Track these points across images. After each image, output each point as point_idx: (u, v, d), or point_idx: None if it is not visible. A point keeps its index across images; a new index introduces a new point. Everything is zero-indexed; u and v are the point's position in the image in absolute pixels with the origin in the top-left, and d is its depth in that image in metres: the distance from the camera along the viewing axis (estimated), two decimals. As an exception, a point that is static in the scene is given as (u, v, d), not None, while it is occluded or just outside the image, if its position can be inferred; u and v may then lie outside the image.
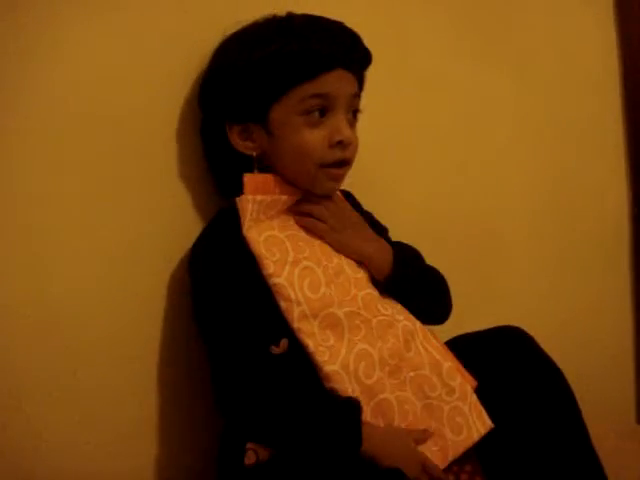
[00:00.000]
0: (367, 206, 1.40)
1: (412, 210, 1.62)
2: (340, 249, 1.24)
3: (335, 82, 1.16)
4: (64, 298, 1.18)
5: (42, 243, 1.15)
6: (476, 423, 1.22)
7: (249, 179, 1.18)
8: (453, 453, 1.20)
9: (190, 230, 1.26)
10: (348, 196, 1.36)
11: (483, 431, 1.22)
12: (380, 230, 1.36)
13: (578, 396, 1.65)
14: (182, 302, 1.28)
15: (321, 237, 1.24)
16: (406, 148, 1.60)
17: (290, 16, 1.20)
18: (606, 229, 1.91)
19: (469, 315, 1.51)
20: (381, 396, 1.18)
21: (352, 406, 1.15)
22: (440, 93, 1.67)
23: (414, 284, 1.29)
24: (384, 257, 1.27)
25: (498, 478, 1.25)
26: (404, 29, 1.56)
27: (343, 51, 1.16)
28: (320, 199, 1.24)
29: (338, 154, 1.19)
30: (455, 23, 1.68)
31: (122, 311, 1.25)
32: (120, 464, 1.25)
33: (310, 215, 1.23)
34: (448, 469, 1.23)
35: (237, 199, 1.17)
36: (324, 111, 1.17)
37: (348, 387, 1.16)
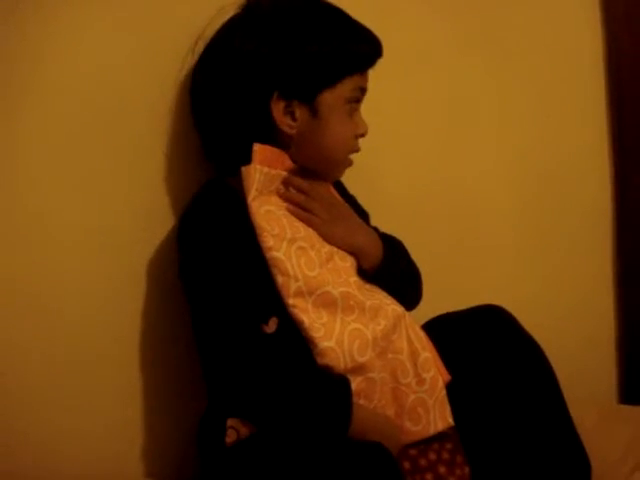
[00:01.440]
0: (351, 190, 1.40)
1: (395, 192, 1.62)
2: (332, 242, 1.25)
3: (367, 79, 1.26)
4: (45, 284, 1.19)
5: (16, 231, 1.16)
6: (436, 418, 1.23)
7: (260, 149, 1.19)
8: (405, 440, 1.22)
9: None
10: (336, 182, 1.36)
11: (441, 428, 1.23)
12: (363, 215, 1.37)
13: (560, 376, 1.66)
14: (164, 288, 1.28)
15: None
16: (389, 132, 1.59)
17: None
18: (588, 210, 1.91)
19: (451, 294, 1.52)
20: (369, 375, 1.20)
21: (343, 384, 1.16)
22: (425, 78, 1.67)
23: (400, 275, 1.32)
24: (374, 248, 1.28)
25: (479, 457, 1.26)
26: (390, 20, 1.56)
27: (380, 52, 1.25)
28: (313, 191, 1.25)
29: (358, 145, 1.28)
30: (441, 15, 1.69)
31: (103, 297, 1.25)
32: (105, 452, 1.25)
33: (303, 208, 1.24)
34: (429, 447, 1.24)
35: (244, 167, 1.18)
36: (356, 103, 1.25)
37: (341, 364, 1.17)
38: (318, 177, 1.27)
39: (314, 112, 1.21)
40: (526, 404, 1.25)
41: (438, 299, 1.42)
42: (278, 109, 1.19)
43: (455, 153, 1.73)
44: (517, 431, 1.25)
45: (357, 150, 1.27)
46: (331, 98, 1.21)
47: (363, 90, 1.25)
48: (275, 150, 1.21)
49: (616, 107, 1.91)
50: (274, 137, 1.21)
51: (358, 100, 1.25)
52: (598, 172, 1.92)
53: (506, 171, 1.80)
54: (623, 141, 1.90)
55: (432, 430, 1.24)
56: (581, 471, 1.26)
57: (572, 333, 1.89)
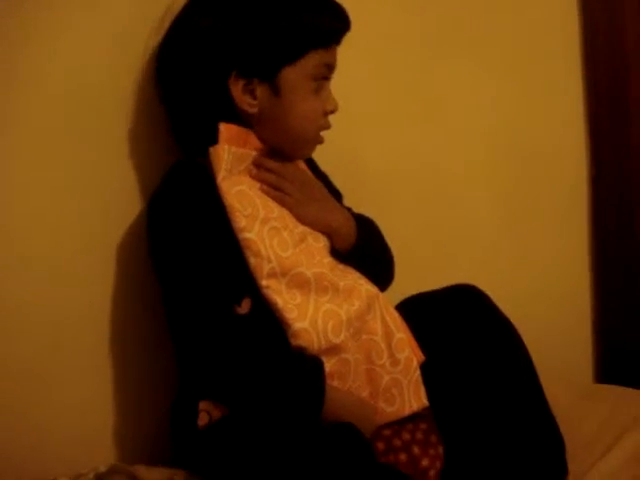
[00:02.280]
0: (326, 169, 1.39)
1: (371, 172, 1.61)
2: (305, 222, 1.24)
3: (335, 55, 1.22)
4: (15, 268, 1.18)
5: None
6: (410, 399, 1.23)
7: (226, 128, 1.17)
8: (380, 421, 1.21)
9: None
10: (307, 159, 1.35)
11: (415, 408, 1.23)
12: (336, 195, 1.35)
13: (537, 357, 1.67)
14: (135, 270, 1.27)
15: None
16: (366, 112, 1.59)
17: None
18: (564, 190, 1.91)
19: (427, 275, 1.51)
20: (343, 356, 1.19)
21: (316, 366, 1.15)
22: (402, 60, 1.66)
23: (373, 255, 1.31)
24: (347, 228, 1.27)
25: (453, 436, 1.26)
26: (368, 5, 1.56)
27: (347, 26, 1.21)
28: (285, 171, 1.23)
29: (328, 121, 1.24)
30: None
31: (73, 280, 1.24)
32: (77, 435, 1.24)
33: (275, 188, 1.23)
34: (403, 427, 1.24)
35: (211, 148, 1.16)
36: (323, 80, 1.21)
37: (315, 345, 1.16)
38: (286, 155, 1.25)
39: (275, 90, 1.18)
40: (499, 383, 1.25)
41: (413, 279, 1.42)
42: (237, 88, 1.17)
43: (432, 134, 1.72)
44: (491, 411, 1.25)
45: (327, 127, 1.25)
46: (293, 75, 1.18)
47: (330, 66, 1.22)
48: (241, 129, 1.19)
49: (592, 91, 1.92)
50: (238, 116, 1.19)
51: (325, 77, 1.22)
52: (574, 156, 1.92)
53: (483, 154, 1.80)
54: (598, 123, 1.90)
55: (407, 411, 1.23)
56: (555, 450, 1.26)
57: (549, 314, 1.90)
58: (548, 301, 1.89)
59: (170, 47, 1.21)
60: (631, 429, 1.47)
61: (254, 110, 1.18)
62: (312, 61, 1.18)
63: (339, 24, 1.20)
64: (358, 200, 1.39)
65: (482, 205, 1.80)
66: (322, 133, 1.26)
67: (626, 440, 1.44)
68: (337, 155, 1.41)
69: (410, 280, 1.40)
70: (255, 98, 1.18)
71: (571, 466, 1.30)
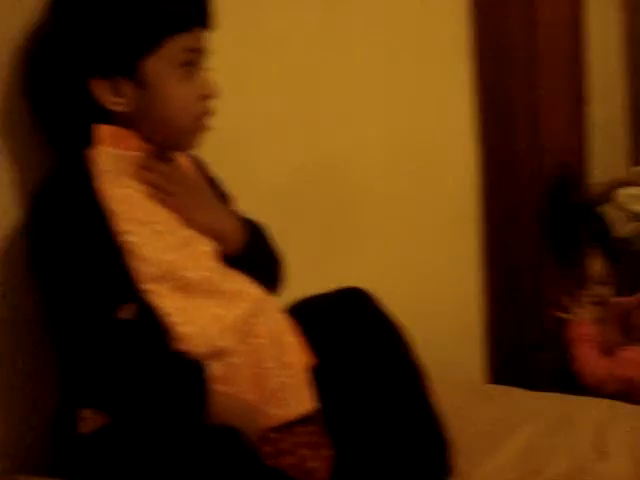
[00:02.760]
0: (218, 172, 1.37)
1: (262, 172, 1.60)
2: (192, 226, 1.22)
3: (202, 38, 1.18)
4: None
5: None
6: (300, 402, 1.23)
7: (100, 130, 1.15)
8: (268, 425, 1.20)
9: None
10: (196, 161, 1.33)
11: (304, 411, 1.23)
12: (225, 199, 1.34)
13: (429, 358, 1.69)
14: (15, 275, 1.21)
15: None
16: (258, 114, 1.58)
17: None
18: (457, 192, 1.95)
19: (319, 277, 1.52)
20: (230, 359, 1.18)
21: (198, 370, 1.13)
22: (291, 46, 1.66)
23: (261, 260, 1.30)
24: (235, 233, 1.26)
25: (342, 438, 1.27)
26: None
27: (209, 9, 1.18)
28: (172, 173, 1.21)
29: (206, 107, 1.21)
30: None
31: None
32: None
33: (162, 191, 1.20)
34: (291, 430, 1.24)
35: (87, 151, 1.13)
36: (192, 65, 1.17)
37: (200, 349, 1.14)
38: (172, 149, 1.22)
39: (141, 84, 1.15)
40: (385, 386, 1.26)
41: (305, 283, 1.42)
42: (100, 89, 1.14)
43: (328, 134, 1.73)
44: (377, 413, 1.26)
45: (207, 113, 1.21)
46: (155, 66, 1.14)
47: (196, 51, 1.18)
48: (118, 130, 1.17)
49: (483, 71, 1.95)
50: (111, 117, 1.16)
51: (193, 62, 1.18)
52: (466, 160, 1.96)
53: (378, 155, 1.82)
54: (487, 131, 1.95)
55: (295, 413, 1.23)
56: (438, 449, 1.29)
57: (441, 316, 1.94)
58: (440, 303, 1.93)
59: (33, 52, 1.18)
60: (519, 428, 1.51)
61: (125, 108, 1.15)
62: (172, 48, 1.14)
63: (190, 6, 1.16)
64: (249, 204, 1.38)
65: (376, 207, 1.82)
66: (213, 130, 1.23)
67: (513, 439, 1.48)
68: (228, 158, 1.40)
69: (302, 283, 1.41)
70: (122, 96, 1.15)
71: (459, 465, 1.33)
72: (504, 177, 1.96)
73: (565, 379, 1.98)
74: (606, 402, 1.66)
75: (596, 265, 2.23)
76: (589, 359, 1.95)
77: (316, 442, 1.25)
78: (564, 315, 2.04)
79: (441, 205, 1.92)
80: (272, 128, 1.62)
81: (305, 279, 1.44)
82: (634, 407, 1.62)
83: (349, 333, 1.27)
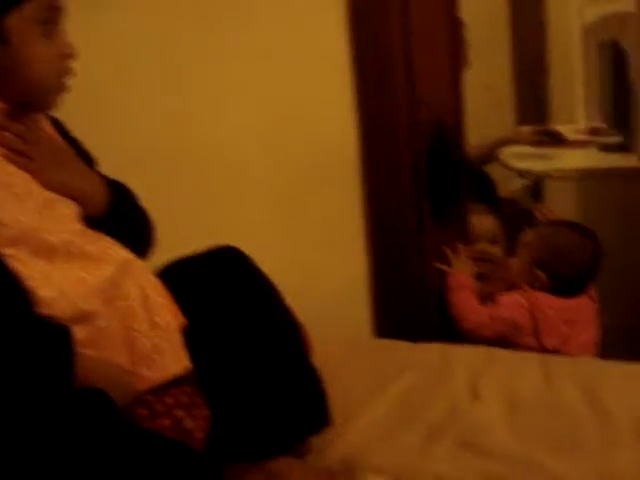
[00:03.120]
0: (80, 134, 1.34)
1: (133, 134, 1.57)
2: (51, 188, 1.18)
3: None
4: None
5: None
6: (172, 363, 1.22)
7: None
8: (142, 387, 1.19)
9: None
10: (56, 123, 1.30)
11: (178, 372, 1.22)
12: (89, 161, 1.31)
13: (314, 316, 1.71)
14: None
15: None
16: (124, 75, 1.55)
17: None
18: (336, 152, 1.96)
19: (197, 241, 1.51)
20: (97, 323, 1.15)
21: (63, 334, 1.10)
22: (163, 22, 1.63)
23: (128, 222, 1.28)
24: (98, 194, 1.23)
25: (218, 398, 1.27)
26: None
27: None
28: (30, 135, 1.17)
29: (67, 66, 1.18)
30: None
31: None
32: None
33: (20, 153, 1.16)
34: (166, 392, 1.23)
35: None
36: (52, 24, 1.15)
37: (64, 313, 1.11)
38: (32, 108, 1.18)
39: (1, 41, 1.11)
40: (260, 343, 1.27)
41: (184, 245, 1.40)
42: None
43: (203, 101, 1.71)
44: (253, 370, 1.26)
45: (67, 72, 1.19)
46: (18, 22, 1.11)
47: (55, 9, 1.15)
48: None
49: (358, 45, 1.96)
50: None
51: (52, 20, 1.15)
52: (344, 120, 1.97)
53: (255, 120, 1.81)
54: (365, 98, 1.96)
55: (169, 375, 1.22)
56: (315, 402, 1.31)
57: (326, 275, 1.95)
58: (326, 262, 1.94)
59: None
60: (398, 378, 1.55)
61: None
62: (34, 5, 1.12)
63: None
64: (118, 166, 1.35)
65: (255, 171, 1.82)
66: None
67: (392, 388, 1.52)
68: (90, 118, 1.37)
69: (180, 245, 1.39)
70: None
71: (336, 417, 1.35)
72: (383, 137, 1.98)
73: (448, 329, 2.04)
74: (483, 349, 1.72)
75: (483, 223, 2.29)
76: (467, 305, 2.01)
77: (191, 403, 1.24)
78: (444, 267, 2.09)
79: (321, 166, 1.92)
80: (143, 89, 1.59)
81: (183, 241, 1.42)
82: (508, 352, 1.69)
83: (222, 292, 1.27)
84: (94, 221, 1.22)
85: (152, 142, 1.61)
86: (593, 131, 3.36)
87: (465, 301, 2.01)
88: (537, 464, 1.26)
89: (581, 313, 2.02)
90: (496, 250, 2.27)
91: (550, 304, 1.98)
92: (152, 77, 1.61)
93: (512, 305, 1.99)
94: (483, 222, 2.31)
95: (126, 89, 1.56)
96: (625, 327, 2.17)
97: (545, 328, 1.95)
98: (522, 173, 3.35)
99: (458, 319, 2.01)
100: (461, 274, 2.06)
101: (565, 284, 2.01)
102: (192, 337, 1.25)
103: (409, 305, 2.03)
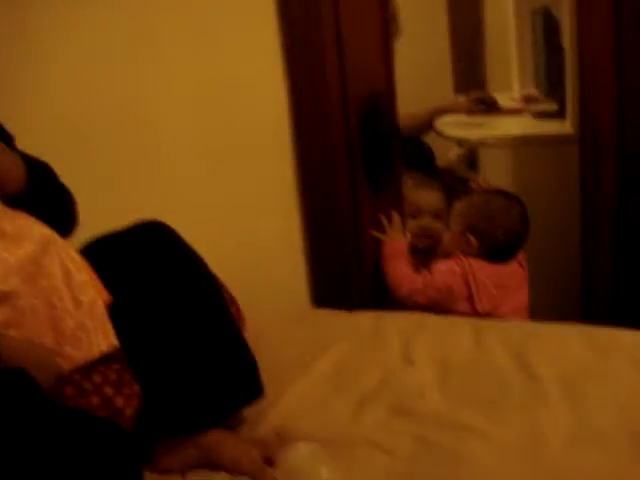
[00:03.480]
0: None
1: (58, 108, 1.53)
2: None
3: None
4: None
5: None
6: (99, 341, 1.20)
7: None
8: (68, 367, 1.18)
9: None
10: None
11: (105, 349, 1.21)
12: (5, 138, 1.27)
13: (252, 288, 1.71)
14: None
15: None
16: (48, 47, 1.51)
17: None
18: (269, 127, 1.95)
19: (125, 216, 1.49)
20: (17, 302, 1.13)
21: None
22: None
23: (48, 199, 1.25)
24: (15, 172, 1.20)
25: (148, 374, 1.26)
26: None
27: None
28: None
29: None
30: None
31: None
32: None
33: None
34: (94, 370, 1.22)
35: None
36: None
37: None
38: None
39: None
40: (188, 317, 1.26)
41: (109, 220, 1.38)
42: None
43: (130, 70, 1.67)
44: (182, 344, 1.25)
45: None
46: None
47: None
48: None
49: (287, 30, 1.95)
50: None
51: None
52: (275, 91, 1.95)
53: (184, 91, 1.77)
54: (294, 59, 1.95)
55: (95, 353, 1.20)
56: (247, 373, 1.31)
57: (265, 246, 1.95)
58: (262, 233, 1.94)
59: None
60: (332, 347, 1.56)
61: None
62: None
63: None
64: (38, 142, 1.32)
65: (186, 144, 1.79)
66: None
67: (326, 357, 1.53)
68: (9, 94, 1.33)
69: (109, 220, 1.37)
70: None
71: (270, 388, 1.36)
72: (315, 107, 1.97)
73: (384, 297, 2.06)
74: (416, 315, 1.74)
75: (428, 198, 2.30)
76: (401, 273, 2.03)
77: (120, 380, 1.23)
78: (380, 235, 2.10)
79: (254, 137, 1.90)
80: (69, 64, 1.55)
81: (110, 215, 1.40)
82: (440, 318, 1.71)
83: (147, 266, 1.25)
84: (13, 200, 1.20)
85: (78, 117, 1.57)
86: (527, 99, 3.39)
87: (399, 269, 2.04)
88: (469, 426, 1.28)
89: (512, 279, 2.07)
90: (438, 226, 2.29)
91: (482, 270, 2.02)
92: (77, 49, 1.57)
93: (446, 272, 2.02)
94: (428, 196, 2.31)
95: (49, 64, 1.51)
96: (557, 291, 2.21)
97: (478, 293, 1.99)
98: (458, 141, 3.37)
99: (392, 287, 2.03)
100: (396, 242, 2.08)
101: (496, 250, 2.05)
102: (119, 314, 1.24)
103: (346, 274, 2.04)
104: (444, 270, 2.02)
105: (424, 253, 2.20)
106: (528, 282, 2.10)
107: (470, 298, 1.99)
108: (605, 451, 1.19)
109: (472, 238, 2.04)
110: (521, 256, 2.12)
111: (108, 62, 1.63)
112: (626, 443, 1.20)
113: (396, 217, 2.12)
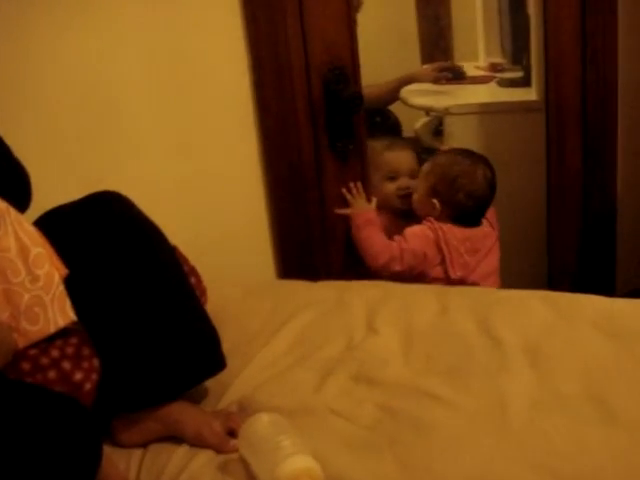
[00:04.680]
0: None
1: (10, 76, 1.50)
2: None
3: None
4: None
5: None
6: (56, 315, 1.18)
7: None
8: (24, 342, 1.16)
9: None
10: None
11: (62, 323, 1.19)
12: None
13: (218, 263, 1.69)
14: None
15: None
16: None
17: None
18: (229, 100, 1.91)
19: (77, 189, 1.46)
20: None
21: None
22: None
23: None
24: None
25: (107, 347, 1.24)
26: None
27: None
28: None
29: None
30: None
31: None
32: None
33: None
34: (51, 344, 1.20)
35: None
36: None
37: None
38: None
39: None
40: (147, 289, 1.24)
41: (64, 196, 1.36)
42: None
43: (89, 45, 1.64)
44: (141, 316, 1.24)
45: None
46: None
47: None
48: None
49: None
50: None
51: None
52: (238, 73, 1.92)
53: (145, 73, 1.76)
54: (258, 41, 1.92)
55: (52, 328, 1.19)
56: (208, 345, 1.29)
57: (228, 220, 1.93)
58: (225, 208, 1.91)
59: None
60: (293, 318, 1.55)
61: None
62: None
63: None
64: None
65: (147, 120, 1.76)
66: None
67: (289, 327, 1.52)
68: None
69: (65, 194, 1.34)
70: None
71: (233, 360, 1.34)
72: (276, 78, 1.94)
73: (350, 268, 2.04)
74: (380, 284, 1.73)
75: (401, 159, 2.26)
76: (376, 241, 2.00)
77: (79, 354, 1.21)
78: (346, 211, 2.07)
79: (215, 111, 1.86)
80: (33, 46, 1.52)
81: (66, 192, 1.37)
82: (404, 285, 1.70)
83: (102, 237, 1.23)
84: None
85: (38, 96, 1.54)
86: (493, 67, 3.38)
87: (373, 238, 2.00)
88: (432, 394, 1.28)
89: (483, 241, 2.03)
90: (416, 184, 2.27)
91: (454, 235, 1.99)
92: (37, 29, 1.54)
93: (419, 237, 1.99)
94: (401, 157, 2.28)
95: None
96: (523, 257, 2.21)
97: (450, 260, 1.97)
98: (424, 110, 3.36)
99: (369, 257, 2.00)
100: (364, 213, 2.05)
101: (462, 213, 2.02)
102: (76, 287, 1.22)
103: (311, 246, 2.02)
104: (418, 234, 1.99)
105: (406, 216, 2.18)
106: (498, 245, 2.08)
107: (443, 264, 1.97)
108: (568, 415, 1.20)
109: (436, 201, 2.02)
110: (491, 215, 2.09)
111: (72, 48, 1.60)
112: (589, 407, 1.21)
113: (359, 187, 2.09)
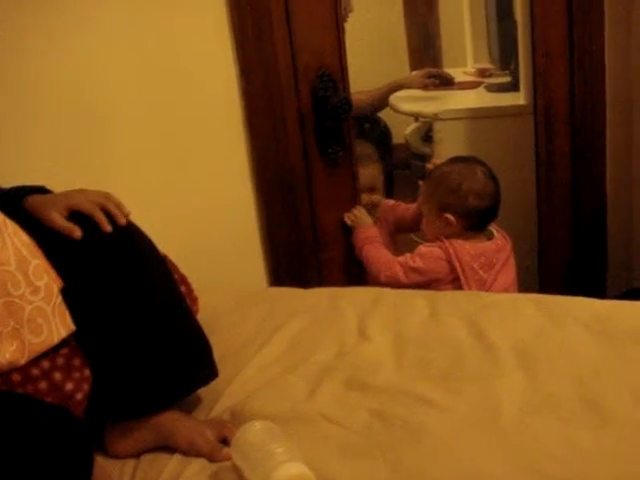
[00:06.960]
0: None
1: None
2: None
3: None
4: None
5: None
6: (58, 326, 1.19)
7: None
8: (29, 354, 1.16)
9: None
10: None
11: (64, 333, 1.19)
12: None
13: (206, 265, 1.68)
14: None
15: None
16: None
17: None
18: (218, 105, 1.92)
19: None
20: None
21: None
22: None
23: None
24: None
25: (100, 356, 1.24)
26: None
27: None
28: None
29: None
30: None
31: None
32: None
33: None
34: (42, 355, 1.19)
35: None
36: None
37: None
38: None
39: None
40: (139, 301, 1.24)
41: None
42: None
43: (78, 47, 1.65)
44: (134, 327, 1.23)
45: None
46: None
47: None
48: None
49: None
50: None
51: None
52: (224, 71, 1.92)
53: (134, 72, 1.76)
54: (244, 38, 1.92)
55: (56, 338, 1.19)
56: (200, 354, 1.29)
57: (220, 228, 1.93)
58: (217, 215, 1.91)
59: None
60: (285, 325, 1.55)
61: None
62: None
63: None
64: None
65: (136, 123, 1.76)
66: None
67: (281, 334, 1.51)
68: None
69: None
70: None
71: (225, 367, 1.34)
72: (265, 84, 1.94)
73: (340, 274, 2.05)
74: (371, 289, 1.73)
75: (362, 174, 2.26)
76: (378, 258, 2.00)
77: (69, 364, 1.21)
78: (348, 221, 2.08)
79: (205, 116, 1.87)
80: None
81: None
82: (396, 291, 1.70)
83: (92, 249, 1.23)
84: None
85: (26, 100, 1.54)
86: (481, 72, 3.39)
87: (374, 255, 2.01)
88: (424, 398, 1.28)
89: (497, 256, 2.00)
90: (375, 197, 2.28)
91: (466, 251, 1.96)
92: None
93: (427, 257, 1.97)
94: (362, 173, 2.28)
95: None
96: (518, 266, 2.21)
97: (465, 278, 1.94)
98: (413, 116, 3.37)
99: (371, 273, 2.00)
100: (364, 229, 2.05)
101: (478, 217, 1.99)
102: (67, 297, 1.21)
103: (302, 252, 2.03)
104: (426, 254, 1.97)
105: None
106: (513, 257, 2.05)
107: (456, 281, 1.94)
108: (560, 418, 1.20)
109: (449, 216, 1.97)
110: (502, 230, 2.08)
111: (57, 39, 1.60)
112: (580, 409, 1.21)
113: (358, 209, 2.09)
